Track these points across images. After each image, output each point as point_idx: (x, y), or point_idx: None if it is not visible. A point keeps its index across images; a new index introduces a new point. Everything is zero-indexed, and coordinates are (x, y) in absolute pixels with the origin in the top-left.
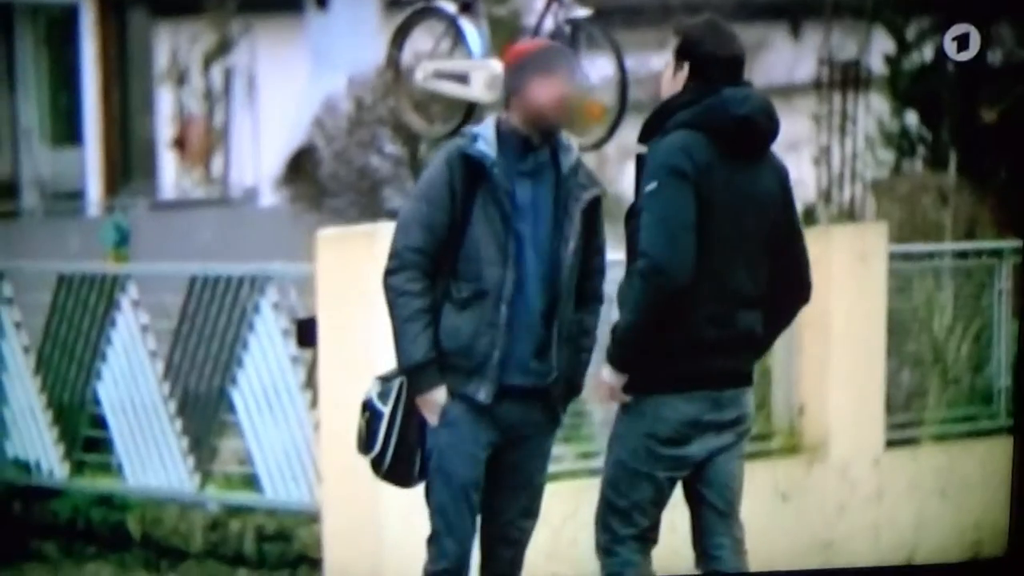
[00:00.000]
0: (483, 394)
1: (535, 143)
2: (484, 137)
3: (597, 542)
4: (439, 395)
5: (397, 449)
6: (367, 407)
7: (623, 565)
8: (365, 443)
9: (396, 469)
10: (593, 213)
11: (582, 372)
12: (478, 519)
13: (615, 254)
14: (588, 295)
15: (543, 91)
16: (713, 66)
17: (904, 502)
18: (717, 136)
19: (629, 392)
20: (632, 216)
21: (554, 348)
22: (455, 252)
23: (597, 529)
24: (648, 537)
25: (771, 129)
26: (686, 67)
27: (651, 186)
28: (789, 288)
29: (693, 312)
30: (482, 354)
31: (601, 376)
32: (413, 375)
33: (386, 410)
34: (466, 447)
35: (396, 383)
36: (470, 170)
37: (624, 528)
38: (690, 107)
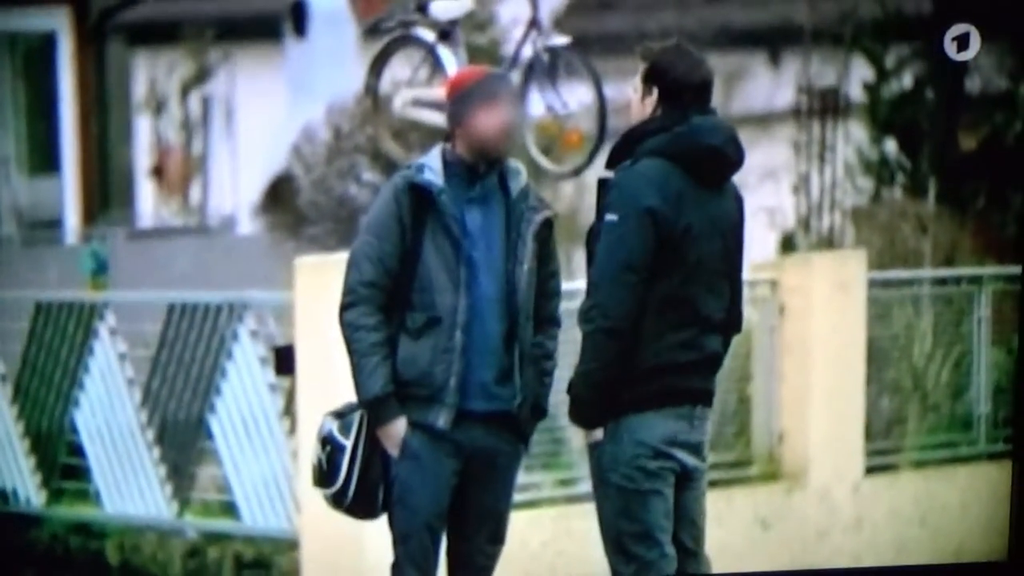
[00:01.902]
0: (442, 421)
1: (481, 170)
2: (430, 167)
3: None
4: (399, 427)
5: (360, 483)
6: (327, 441)
7: None
8: (326, 477)
9: (358, 503)
10: (546, 235)
11: (546, 396)
12: (443, 545)
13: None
14: (545, 318)
15: (485, 120)
16: (684, 91)
17: (884, 529)
18: (687, 164)
19: (594, 423)
20: (593, 238)
21: (517, 372)
22: (408, 283)
23: (618, 565)
24: (669, 554)
25: (738, 158)
26: (655, 92)
27: (612, 217)
28: (735, 314)
29: (666, 337)
30: (439, 381)
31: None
32: (372, 408)
33: (348, 443)
34: (428, 478)
35: (357, 416)
36: (418, 200)
37: (650, 551)
38: (659, 135)
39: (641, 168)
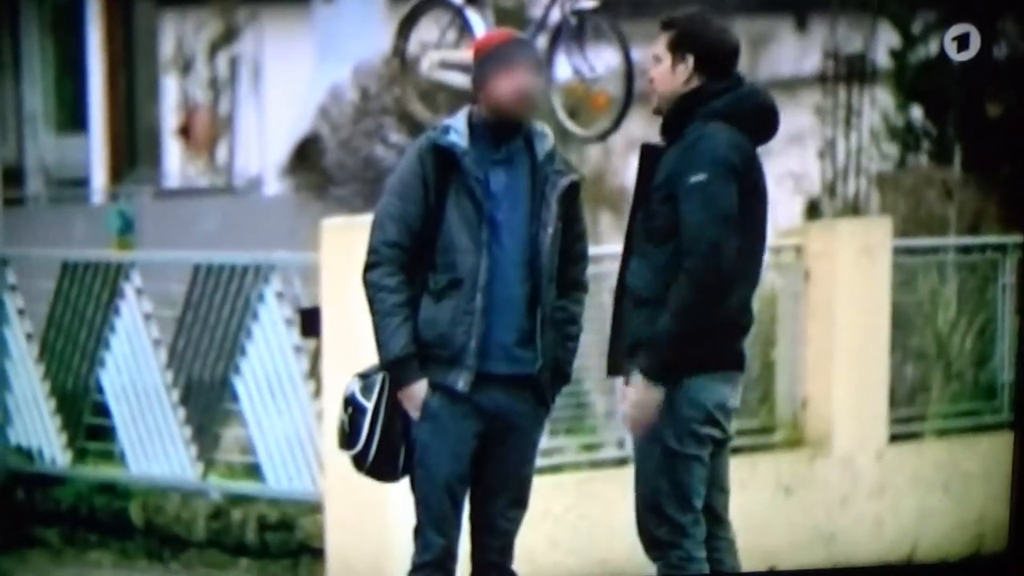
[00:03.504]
0: (462, 383)
1: (506, 132)
2: (455, 128)
3: (653, 539)
4: (420, 389)
5: (381, 444)
6: (349, 402)
7: (685, 560)
8: (348, 439)
9: (379, 464)
10: (571, 199)
11: (569, 360)
12: (466, 509)
13: (614, 246)
14: (571, 282)
15: (503, 85)
16: (721, 56)
17: (907, 496)
18: (748, 127)
19: (668, 380)
20: (649, 215)
21: (538, 335)
22: (431, 244)
23: (649, 525)
24: (701, 521)
25: (779, 121)
26: (690, 60)
27: (699, 178)
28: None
29: (732, 297)
30: (459, 343)
31: (631, 394)
32: (393, 369)
33: (369, 405)
34: (448, 441)
35: (379, 378)
36: (442, 161)
37: (683, 515)
38: (719, 98)
39: (714, 130)
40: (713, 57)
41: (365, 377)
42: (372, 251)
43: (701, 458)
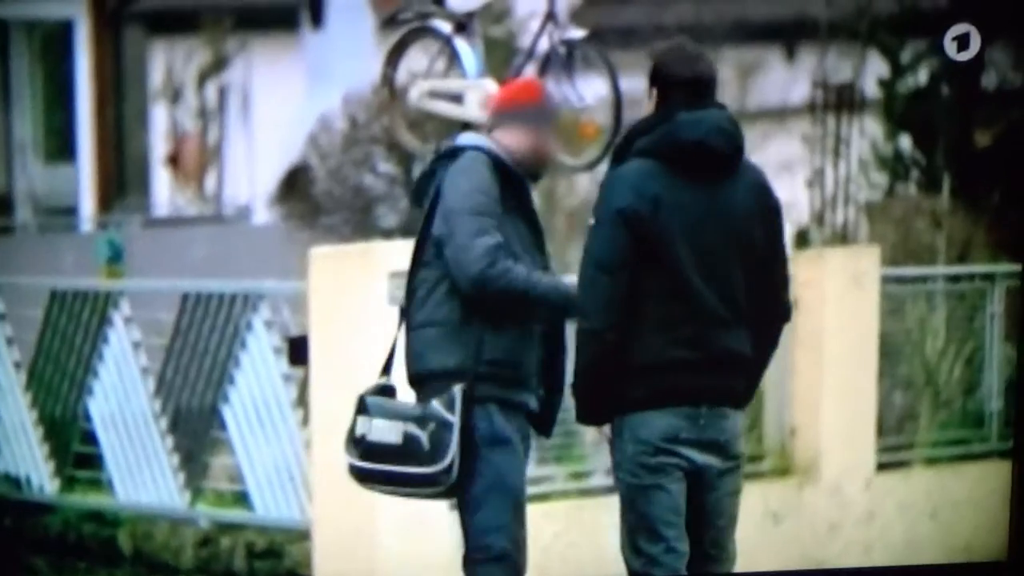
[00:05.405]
0: (533, 402)
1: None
2: (495, 152)
3: (633, 573)
4: None
5: (461, 459)
6: (429, 419)
7: None
8: (431, 456)
9: (457, 480)
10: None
11: None
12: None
13: None
14: None
15: (531, 141)
16: (676, 89)
17: (895, 524)
18: (672, 162)
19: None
20: None
21: (556, 365)
22: None
23: (628, 558)
24: (677, 549)
25: (729, 148)
26: (654, 93)
27: (591, 221)
28: (765, 307)
29: (663, 334)
30: (525, 365)
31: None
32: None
33: (455, 419)
34: (519, 461)
35: (458, 391)
36: (502, 179)
37: (654, 545)
38: (647, 134)
39: (622, 170)
40: (670, 90)
41: (383, 392)
42: (485, 253)
43: (662, 486)
